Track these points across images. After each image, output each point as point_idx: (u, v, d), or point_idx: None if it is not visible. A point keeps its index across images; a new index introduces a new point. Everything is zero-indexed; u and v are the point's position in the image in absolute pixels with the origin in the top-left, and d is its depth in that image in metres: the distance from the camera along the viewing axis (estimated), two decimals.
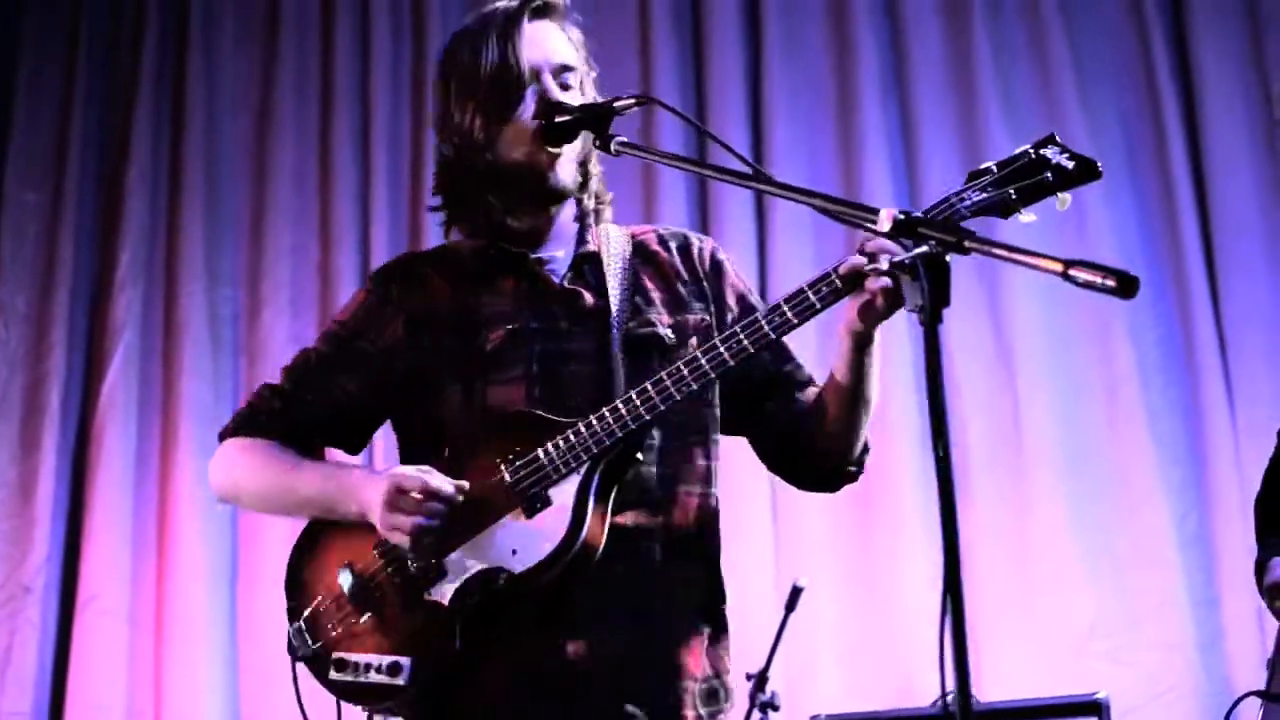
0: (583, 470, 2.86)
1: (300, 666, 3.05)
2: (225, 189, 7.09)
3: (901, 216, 2.51)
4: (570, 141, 3.06)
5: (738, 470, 6.04)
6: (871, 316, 2.85)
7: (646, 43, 6.77)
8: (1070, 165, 2.64)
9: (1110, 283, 2.23)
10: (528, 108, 3.04)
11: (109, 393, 6.79)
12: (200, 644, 6.54)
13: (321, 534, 3.06)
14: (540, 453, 2.87)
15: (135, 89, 7.17)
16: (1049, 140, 2.70)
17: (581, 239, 3.17)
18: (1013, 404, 6.09)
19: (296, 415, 3.12)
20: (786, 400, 3.15)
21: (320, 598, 3.01)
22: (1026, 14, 6.48)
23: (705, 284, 3.20)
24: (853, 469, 3.14)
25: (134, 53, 7.24)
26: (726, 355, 2.85)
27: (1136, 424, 6.01)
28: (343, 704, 3.03)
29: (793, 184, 2.81)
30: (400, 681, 2.87)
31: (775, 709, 5.13)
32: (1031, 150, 2.71)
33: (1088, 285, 2.26)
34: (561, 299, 3.07)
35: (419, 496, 2.83)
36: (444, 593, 2.87)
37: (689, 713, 2.98)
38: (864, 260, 2.80)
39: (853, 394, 2.98)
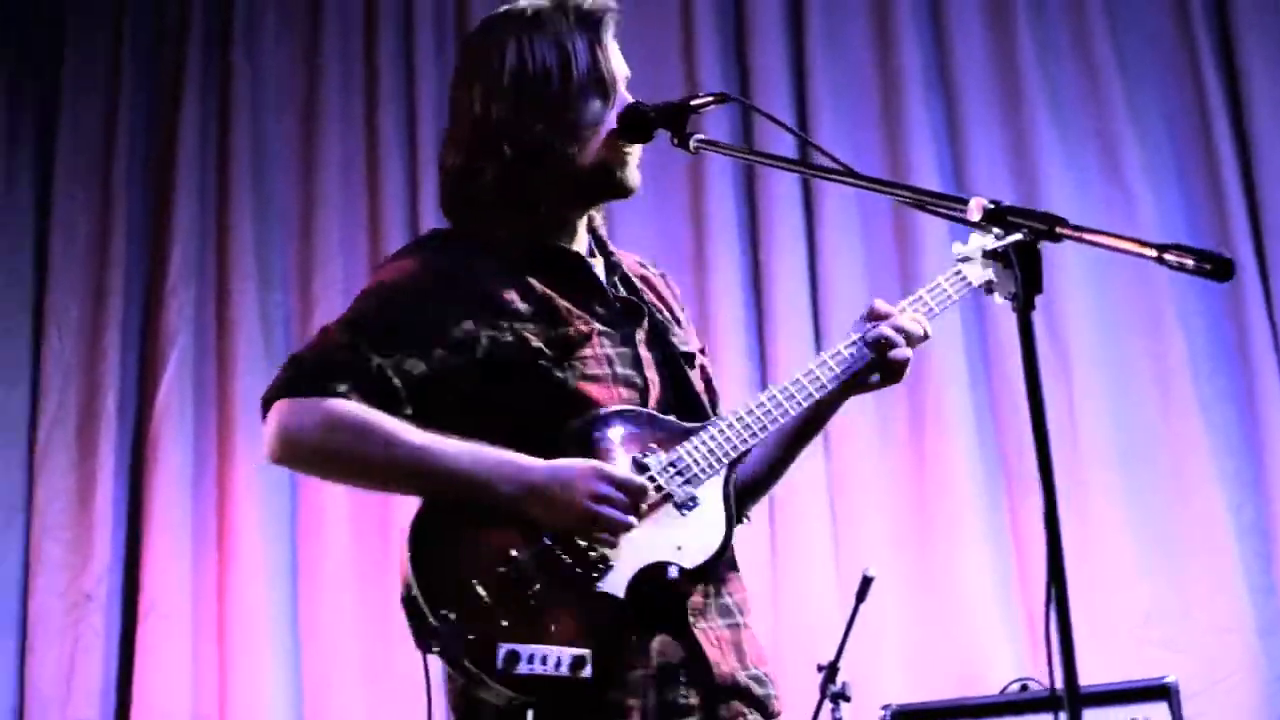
0: (722, 472, 3.02)
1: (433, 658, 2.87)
2: (273, 187, 7.09)
3: (991, 205, 2.58)
4: (646, 140, 3.13)
5: (795, 466, 6.17)
6: (887, 383, 3.23)
7: (689, 41, 6.80)
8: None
9: (1206, 266, 2.30)
10: (612, 112, 3.12)
11: (164, 397, 6.80)
12: (263, 646, 6.58)
13: (455, 521, 2.88)
14: (684, 453, 2.99)
15: (180, 87, 7.16)
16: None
17: (603, 248, 3.27)
18: (1067, 396, 6.16)
19: (389, 382, 2.96)
20: None
21: (475, 587, 2.81)
22: (1070, 14, 6.54)
23: (684, 314, 3.40)
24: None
25: (178, 50, 7.23)
26: (826, 383, 3.17)
27: (1190, 414, 6.09)
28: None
29: (879, 177, 2.89)
30: (585, 674, 2.80)
31: (847, 700, 5.17)
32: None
33: (1180, 268, 2.33)
34: (617, 305, 3.17)
35: (620, 492, 2.88)
36: (617, 585, 2.87)
37: (775, 698, 3.13)
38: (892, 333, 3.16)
39: (802, 442, 3.36)
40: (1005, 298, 2.54)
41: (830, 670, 5.19)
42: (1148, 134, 6.32)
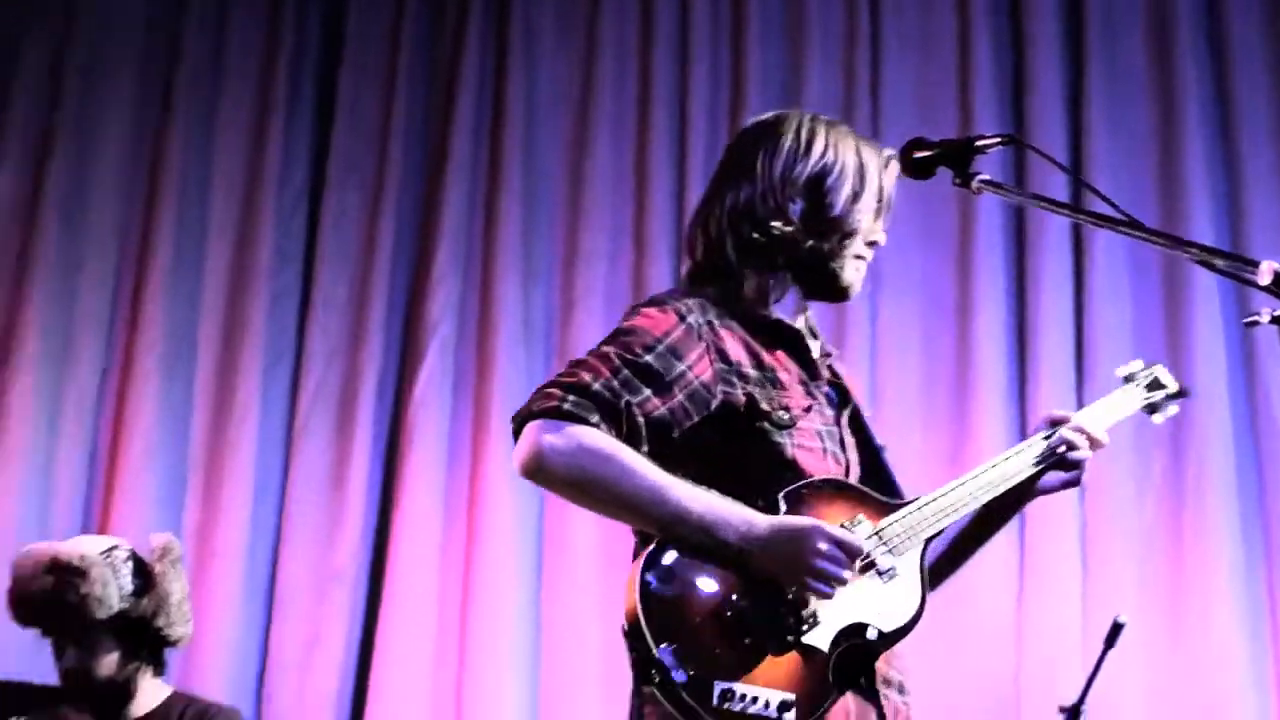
0: (920, 546, 3.20)
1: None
2: (542, 187, 7.18)
3: None
4: (927, 177, 3.21)
5: (1046, 506, 6.19)
6: (1067, 486, 3.49)
7: (966, 88, 6.86)
8: None
9: None
10: (877, 233, 3.43)
11: (423, 385, 6.92)
12: (503, 643, 6.68)
13: (681, 560, 3.03)
14: (887, 525, 3.17)
15: (456, 82, 7.27)
16: None
17: (814, 333, 3.47)
18: None
19: (634, 419, 3.13)
20: None
21: (697, 625, 2.99)
22: None
23: None
24: None
25: (455, 46, 7.34)
26: (1016, 473, 3.41)
27: None
28: None
29: (1164, 230, 2.98)
30: (789, 718, 2.97)
31: None
32: None
33: None
34: (828, 387, 3.40)
35: (840, 551, 3.06)
36: (822, 639, 3.05)
37: None
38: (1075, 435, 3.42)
39: (987, 531, 3.54)
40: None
41: (1074, 713, 5.21)
42: None
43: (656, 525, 3.05)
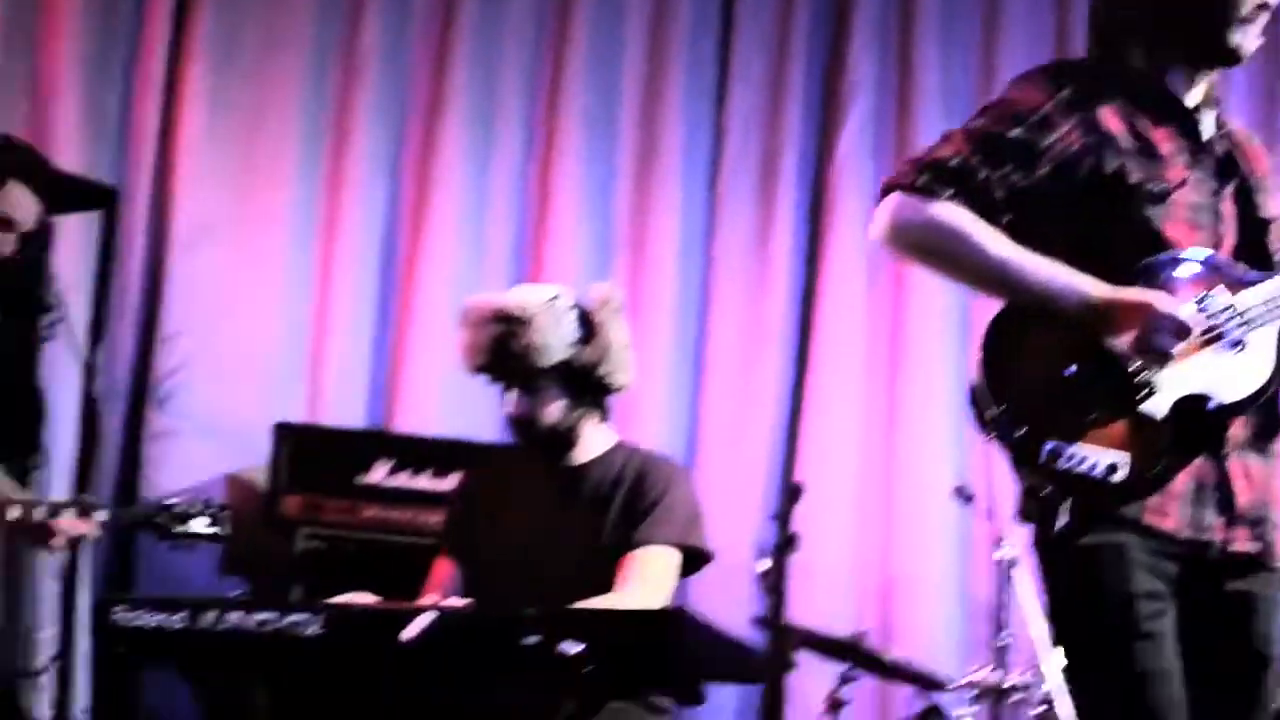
0: (1277, 322, 3.08)
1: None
2: None
3: None
4: None
5: None
6: None
7: None
8: None
9: None
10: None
11: (844, 149, 7.03)
12: (934, 400, 6.75)
13: (1024, 325, 3.11)
14: (1246, 298, 3.09)
15: None
16: None
17: (1214, 112, 3.33)
18: None
19: (990, 190, 3.13)
20: None
21: (1033, 387, 3.08)
22: None
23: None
24: None
25: None
26: None
27: None
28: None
29: None
30: (1117, 479, 3.02)
31: None
32: None
33: None
34: (1214, 159, 3.26)
35: (1171, 325, 3.02)
36: (1159, 408, 3.05)
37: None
38: None
39: None
40: None
41: None
42: None
43: (1003, 294, 3.14)
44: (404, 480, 5.84)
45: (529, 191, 7.10)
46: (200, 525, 4.59)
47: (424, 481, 5.84)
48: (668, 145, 7.13)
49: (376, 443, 6.12)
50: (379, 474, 5.84)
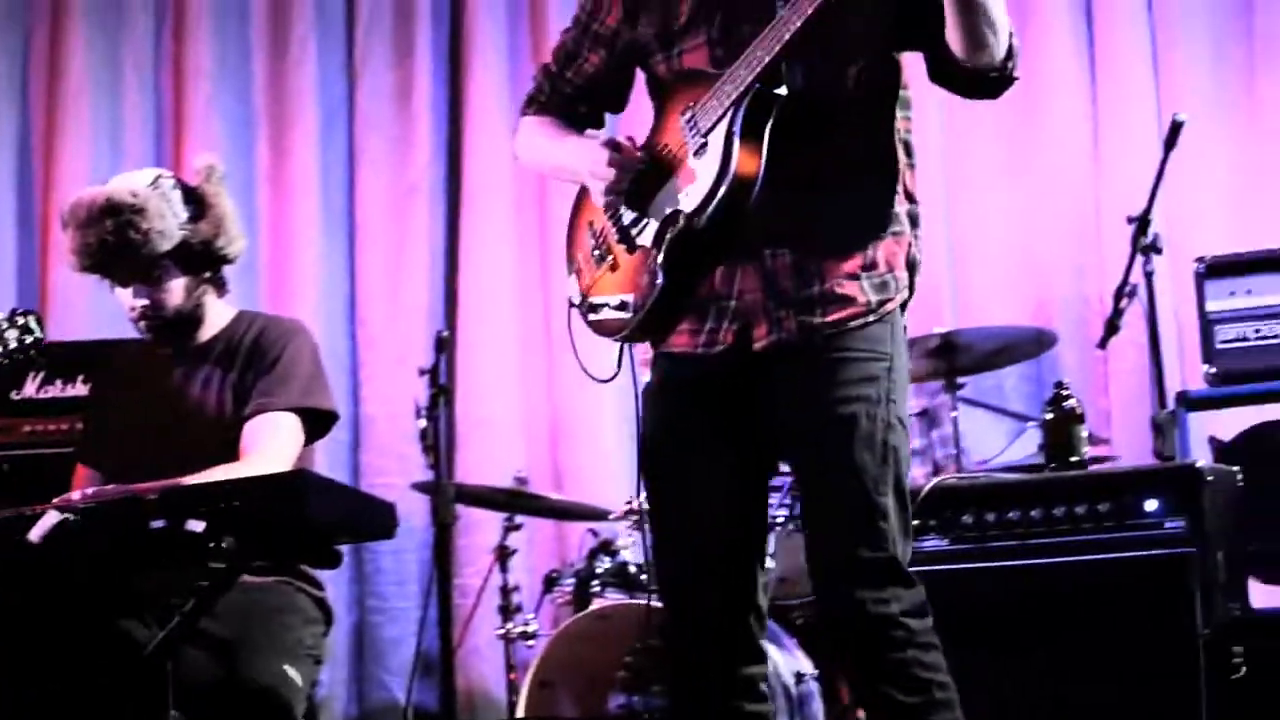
0: (729, 114, 3.04)
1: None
2: None
3: None
4: None
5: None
6: None
7: None
8: None
9: None
10: None
11: (474, 9, 7.02)
12: None
13: (582, 199, 3.40)
14: (700, 103, 3.11)
15: None
16: None
17: None
18: None
19: (562, 90, 3.48)
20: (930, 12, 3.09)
21: (580, 253, 3.39)
22: None
23: None
24: (994, 75, 3.08)
25: None
26: None
27: None
28: None
29: None
30: (626, 315, 3.21)
31: (1158, 252, 5.11)
32: None
33: None
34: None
35: (608, 155, 3.19)
36: (647, 237, 3.18)
37: (859, 295, 3.13)
38: None
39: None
40: None
41: (1141, 223, 5.12)
42: None
43: (562, 179, 3.53)
44: (56, 390, 5.74)
45: (163, 72, 7.06)
46: None
47: (79, 389, 5.75)
48: (300, 14, 7.10)
49: None
50: (30, 388, 5.73)
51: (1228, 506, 4.31)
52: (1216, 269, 5.22)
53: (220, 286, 4.30)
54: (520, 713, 5.32)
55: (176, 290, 4.18)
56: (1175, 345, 5.80)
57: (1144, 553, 4.18)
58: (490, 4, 7.01)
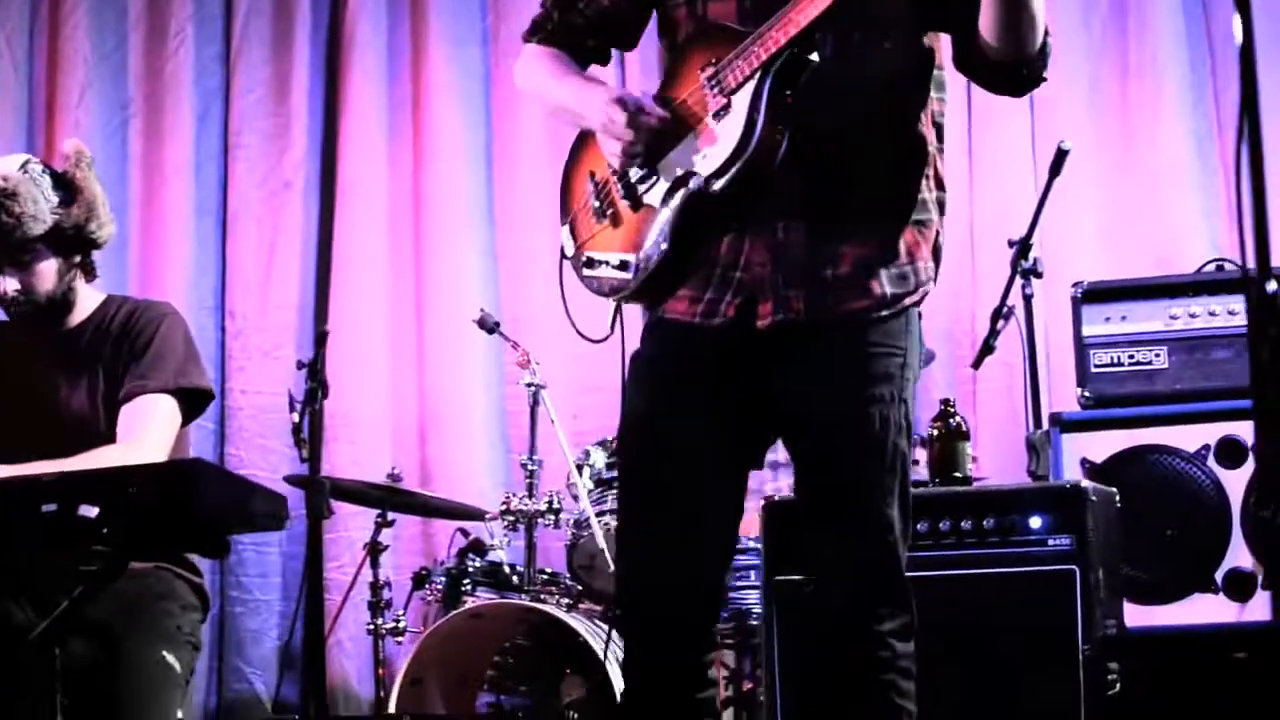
0: (757, 76, 2.92)
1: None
2: None
3: None
4: None
5: None
6: None
7: None
8: None
9: None
10: None
11: (355, 6, 6.95)
12: (459, 231, 6.77)
13: (582, 144, 3.28)
14: (725, 61, 2.97)
15: None
16: None
17: None
18: None
19: (572, 22, 3.31)
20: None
21: (578, 203, 3.25)
22: None
23: None
24: (1024, 72, 3.03)
25: None
26: None
27: None
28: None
29: None
30: (627, 275, 3.10)
31: (1038, 276, 5.16)
32: None
33: None
34: None
35: (627, 116, 3.03)
36: (655, 197, 3.07)
37: (876, 287, 3.05)
38: None
39: None
40: None
41: (1022, 246, 5.14)
42: None
43: (561, 120, 3.39)
44: None
45: (38, 58, 6.98)
46: None
47: None
48: (179, 3, 7.03)
49: None
50: None
51: (1108, 526, 4.38)
52: (1093, 295, 5.25)
53: (89, 272, 4.26)
54: (392, 709, 5.29)
55: (48, 274, 4.14)
56: (1045, 367, 5.87)
57: (1029, 568, 4.22)
58: (371, 3, 6.95)
